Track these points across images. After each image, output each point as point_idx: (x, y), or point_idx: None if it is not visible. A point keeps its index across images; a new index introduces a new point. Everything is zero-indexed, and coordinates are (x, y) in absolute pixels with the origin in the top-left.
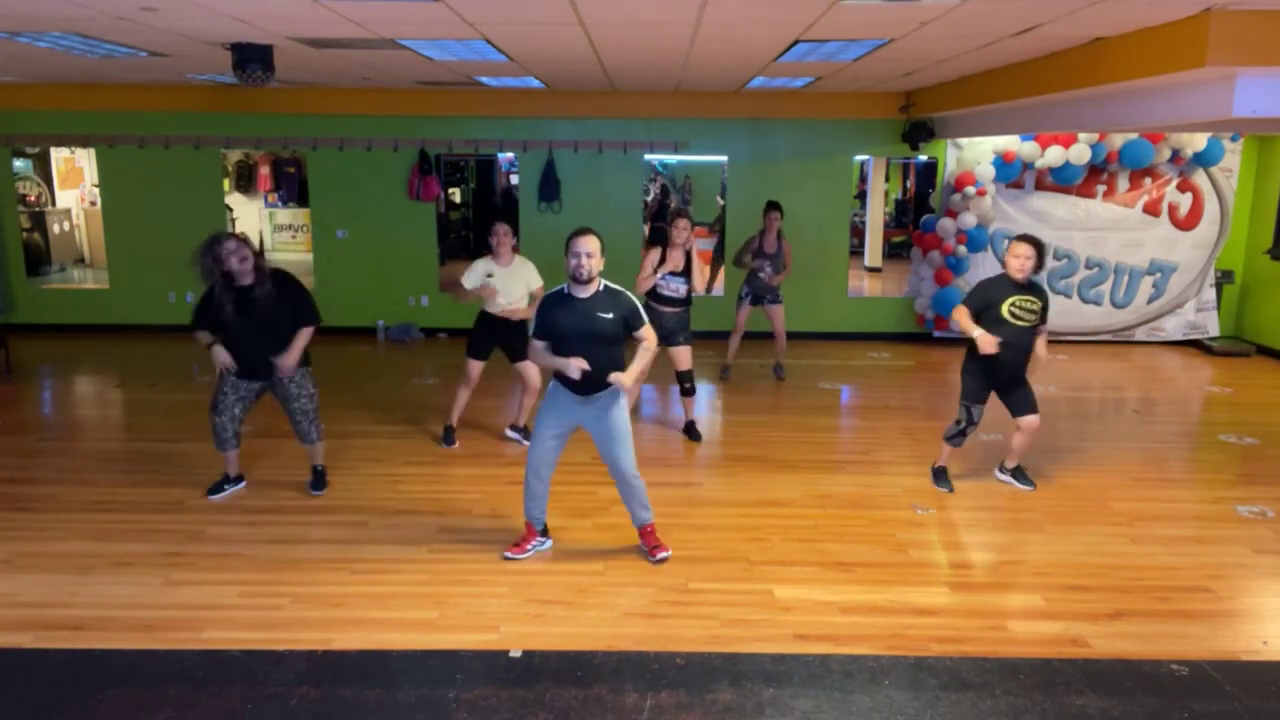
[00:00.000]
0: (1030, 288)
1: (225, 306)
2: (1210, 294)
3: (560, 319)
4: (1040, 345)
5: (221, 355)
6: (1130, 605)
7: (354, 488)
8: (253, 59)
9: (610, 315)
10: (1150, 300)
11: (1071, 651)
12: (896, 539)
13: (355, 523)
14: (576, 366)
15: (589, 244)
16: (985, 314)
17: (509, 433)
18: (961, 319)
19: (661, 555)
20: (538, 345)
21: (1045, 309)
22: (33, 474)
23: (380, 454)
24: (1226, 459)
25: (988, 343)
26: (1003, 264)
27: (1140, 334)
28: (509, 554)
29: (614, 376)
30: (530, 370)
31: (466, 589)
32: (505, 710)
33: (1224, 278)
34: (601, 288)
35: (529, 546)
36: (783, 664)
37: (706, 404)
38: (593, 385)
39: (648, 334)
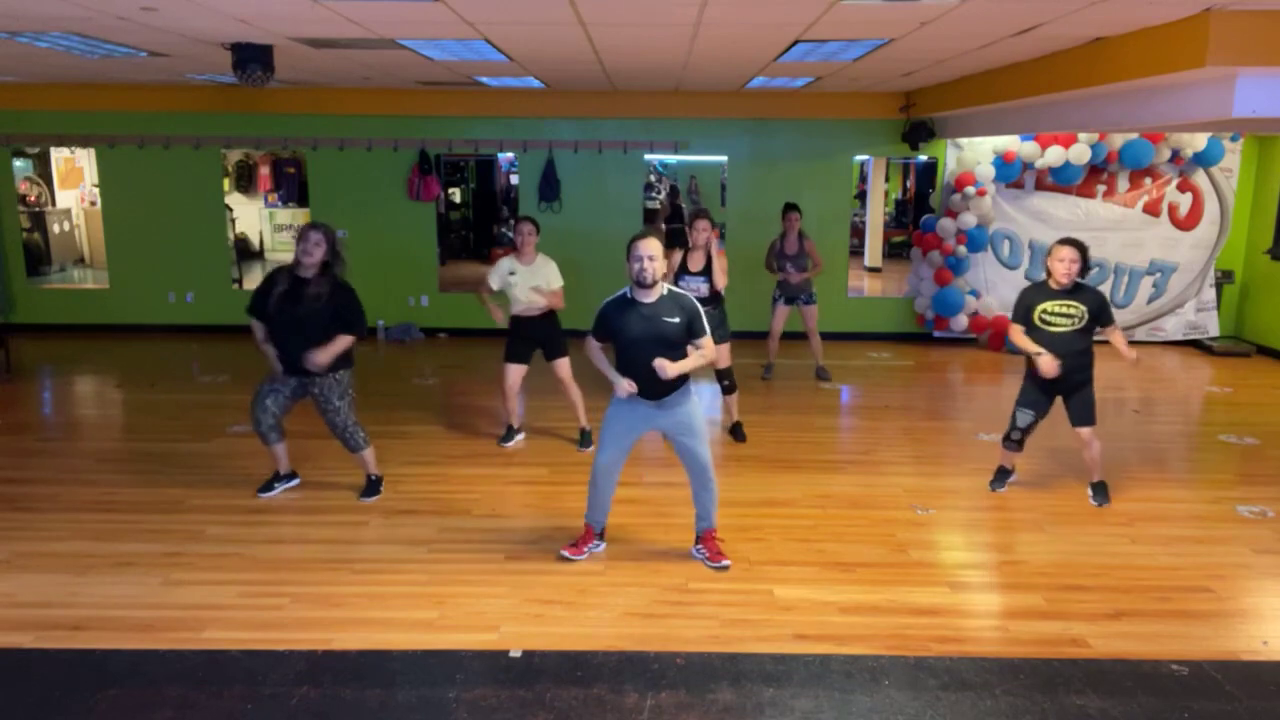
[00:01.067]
0: (1074, 291)
1: (277, 288)
2: (1210, 294)
3: (627, 325)
4: (1117, 340)
5: (269, 353)
6: (1130, 605)
7: (354, 488)
8: (253, 59)
9: (676, 320)
10: (1150, 300)
11: (1071, 651)
12: (896, 539)
13: (355, 523)
14: (626, 389)
15: (651, 247)
16: (1025, 322)
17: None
18: (1017, 339)
19: (721, 563)
20: (594, 345)
21: (1102, 308)
22: (33, 474)
23: (380, 454)
24: (1226, 459)
25: (1049, 365)
26: (1046, 271)
27: (1140, 334)
28: (567, 554)
29: (658, 363)
30: (565, 369)
31: (466, 589)
32: (505, 710)
33: (1224, 278)
34: (666, 291)
35: (586, 548)
36: (783, 664)
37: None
38: (665, 388)
39: (708, 344)
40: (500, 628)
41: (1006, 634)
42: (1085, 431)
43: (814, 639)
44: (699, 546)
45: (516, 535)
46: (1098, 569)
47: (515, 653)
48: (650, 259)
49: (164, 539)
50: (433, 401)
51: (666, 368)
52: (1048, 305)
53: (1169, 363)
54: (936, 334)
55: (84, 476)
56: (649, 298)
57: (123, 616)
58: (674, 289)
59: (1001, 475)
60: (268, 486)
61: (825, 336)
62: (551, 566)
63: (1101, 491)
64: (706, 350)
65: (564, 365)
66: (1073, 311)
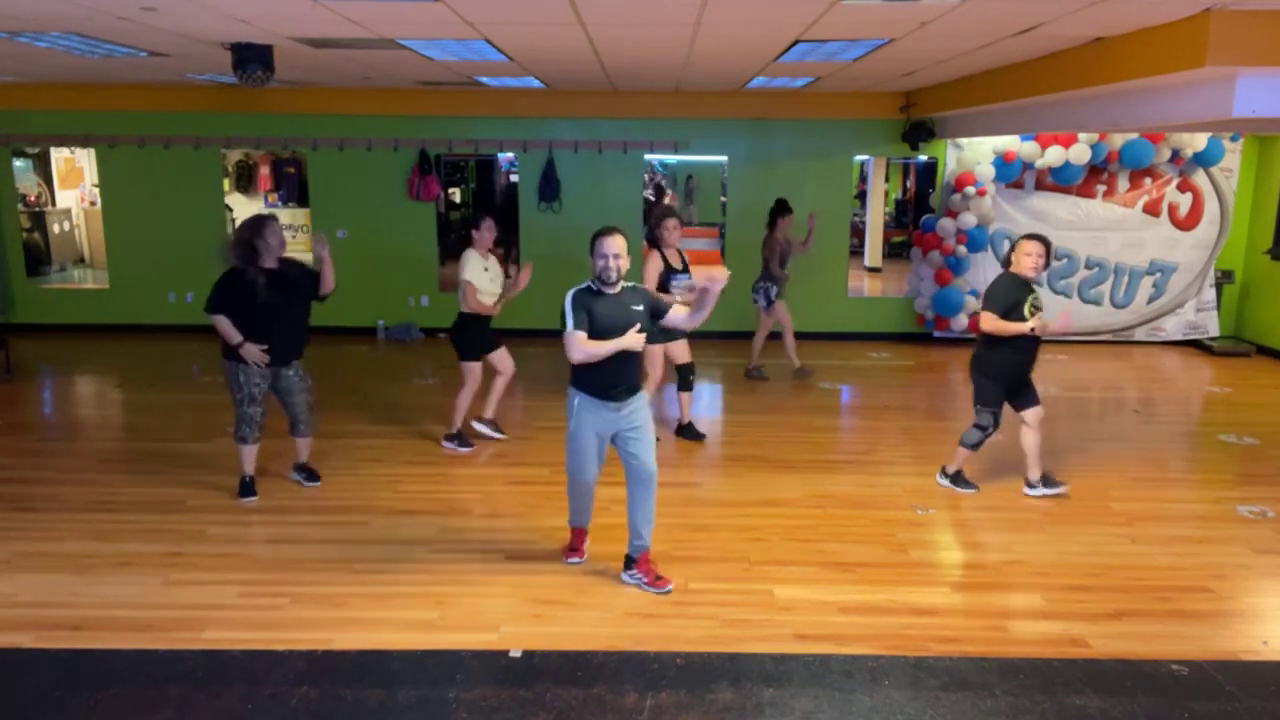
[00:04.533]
0: (1036, 284)
1: (258, 283)
2: (1210, 294)
3: (603, 312)
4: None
5: (255, 351)
6: (1130, 605)
7: (354, 488)
8: (253, 59)
9: (640, 308)
10: (1150, 300)
11: (1071, 651)
12: (896, 539)
13: (355, 523)
14: (635, 336)
15: (616, 244)
16: (1011, 316)
17: (477, 425)
18: (1000, 325)
19: (666, 588)
20: (582, 336)
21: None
22: (33, 474)
23: (380, 454)
24: (1226, 459)
25: (1044, 326)
26: (1004, 264)
27: (1140, 334)
28: (573, 560)
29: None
30: (505, 360)
31: (466, 589)
32: (505, 710)
33: (1224, 278)
34: (626, 285)
35: (584, 547)
36: (783, 664)
37: (706, 403)
38: (626, 390)
39: (678, 308)
40: (500, 628)
41: (1006, 634)
42: (1037, 411)
43: (814, 639)
44: (633, 571)
45: (516, 535)
46: (1098, 569)
47: (515, 653)
48: (615, 257)
49: (164, 539)
50: (433, 401)
51: (634, 338)
52: (1034, 300)
53: (1169, 363)
54: (936, 334)
55: (84, 476)
56: (613, 290)
57: (123, 616)
58: (627, 283)
59: (961, 475)
60: (249, 491)
61: (825, 337)
62: (551, 566)
63: (1052, 480)
64: (680, 310)
65: (504, 356)
66: (1041, 305)
